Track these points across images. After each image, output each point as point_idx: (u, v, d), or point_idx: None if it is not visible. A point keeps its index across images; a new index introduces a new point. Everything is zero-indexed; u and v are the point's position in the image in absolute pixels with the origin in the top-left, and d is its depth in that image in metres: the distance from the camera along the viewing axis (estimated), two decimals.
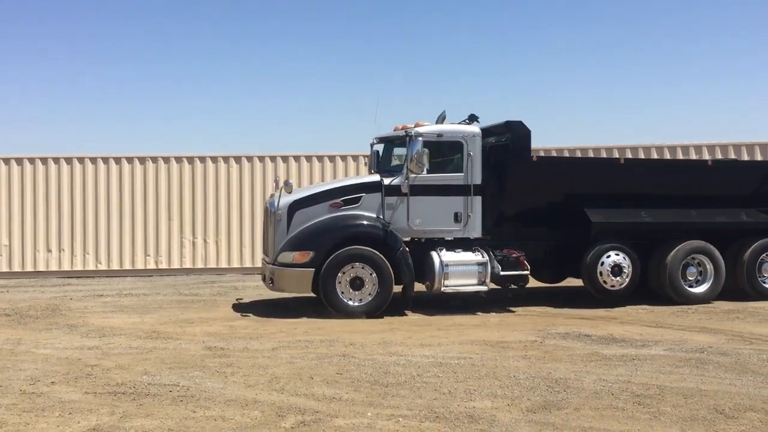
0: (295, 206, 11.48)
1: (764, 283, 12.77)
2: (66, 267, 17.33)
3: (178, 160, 17.83)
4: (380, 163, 12.68)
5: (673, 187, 12.57)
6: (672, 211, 12.42)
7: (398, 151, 12.39)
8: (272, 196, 12.12)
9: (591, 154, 17.80)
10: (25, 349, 8.97)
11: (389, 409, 6.28)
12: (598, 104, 39.43)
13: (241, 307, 12.38)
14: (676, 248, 12.26)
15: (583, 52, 38.71)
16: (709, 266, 12.43)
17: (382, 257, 11.21)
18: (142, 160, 17.72)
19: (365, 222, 11.47)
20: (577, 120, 38.44)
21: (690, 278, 12.40)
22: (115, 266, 17.47)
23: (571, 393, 6.77)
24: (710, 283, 12.42)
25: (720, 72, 37.88)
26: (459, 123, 12.17)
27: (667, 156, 17.71)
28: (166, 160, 17.79)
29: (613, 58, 38.71)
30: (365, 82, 39.23)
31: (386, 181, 11.66)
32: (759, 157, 17.53)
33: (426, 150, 11.37)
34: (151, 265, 17.58)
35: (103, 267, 17.42)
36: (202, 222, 17.78)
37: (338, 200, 11.58)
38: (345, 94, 39.69)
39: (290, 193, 11.58)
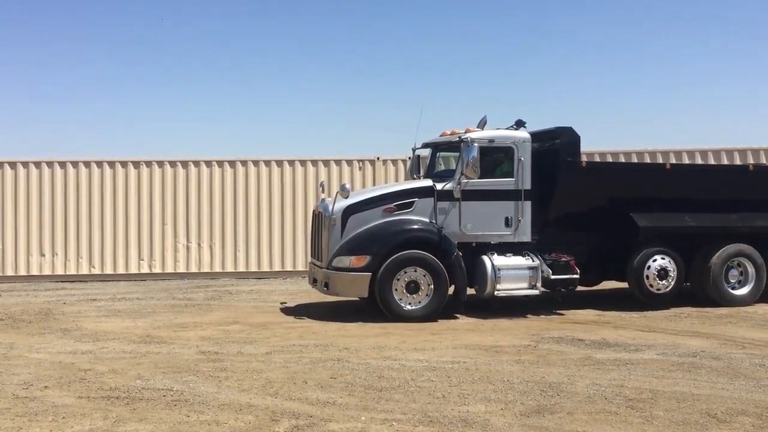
0: (350, 211, 11.54)
1: None
2: (59, 271, 17.28)
3: (173, 164, 17.81)
4: (428, 168, 12.89)
5: (715, 191, 12.75)
6: (714, 215, 12.62)
7: (444, 155, 12.59)
8: (323, 200, 12.18)
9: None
10: (18, 354, 8.95)
11: (383, 414, 6.29)
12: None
13: (233, 312, 12.36)
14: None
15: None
16: (751, 269, 12.63)
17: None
18: (136, 165, 17.69)
19: (420, 226, 11.55)
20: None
21: (732, 281, 12.58)
22: (108, 270, 17.42)
23: (565, 397, 6.79)
24: (752, 285, 12.62)
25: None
26: (507, 128, 12.27)
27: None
28: (160, 164, 17.77)
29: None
30: (361, 86, 39.29)
31: (438, 186, 11.74)
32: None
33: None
34: (145, 270, 17.54)
35: (96, 271, 17.38)
36: (196, 226, 17.75)
37: (391, 205, 11.65)
38: (341, 98, 39.73)
39: (346, 197, 11.62)
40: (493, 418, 6.15)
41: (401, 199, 11.72)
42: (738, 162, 17.67)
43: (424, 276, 11.25)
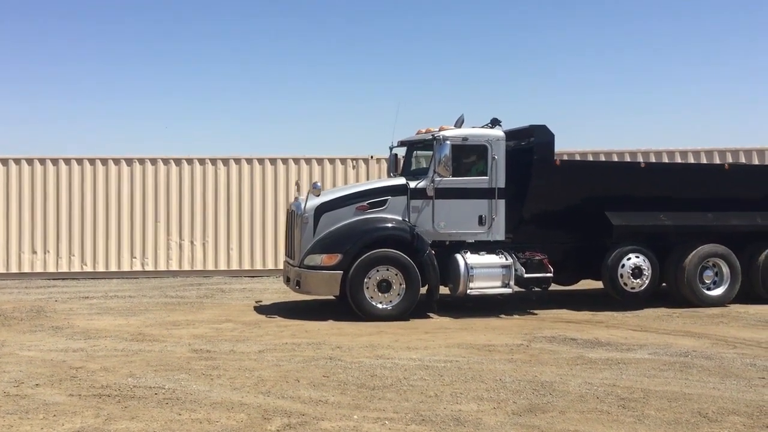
0: (322, 209, 11.51)
1: None
2: (51, 269, 17.20)
3: (166, 162, 17.76)
4: (403, 166, 12.81)
5: (691, 190, 12.76)
6: (690, 214, 12.60)
7: (420, 154, 12.49)
8: (296, 199, 12.14)
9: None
10: (9, 351, 8.91)
11: (375, 412, 6.29)
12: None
13: (226, 310, 12.33)
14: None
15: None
16: (726, 269, 12.57)
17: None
18: (129, 162, 17.64)
19: (392, 225, 11.52)
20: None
21: (707, 281, 12.53)
22: (100, 268, 17.36)
23: (557, 396, 6.81)
24: (726, 286, 12.56)
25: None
26: (482, 127, 12.26)
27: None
28: (154, 161, 17.72)
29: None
30: (359, 85, 39.27)
31: (412, 184, 11.71)
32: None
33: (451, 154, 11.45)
34: (138, 267, 17.49)
35: (88, 269, 17.31)
36: (189, 224, 17.71)
37: (364, 203, 11.62)
38: (338, 97, 39.72)
39: (318, 195, 11.59)
40: (485, 417, 6.16)
41: (374, 197, 11.68)
42: (726, 161, 17.58)
43: (396, 275, 11.21)
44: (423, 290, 11.56)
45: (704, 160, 17.94)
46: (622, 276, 12.17)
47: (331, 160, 18.12)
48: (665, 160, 17.94)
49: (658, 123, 37.91)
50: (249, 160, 17.98)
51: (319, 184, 11.82)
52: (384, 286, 11.21)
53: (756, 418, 6.16)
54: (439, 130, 11.81)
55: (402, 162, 13.03)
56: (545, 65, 38.94)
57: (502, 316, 11.75)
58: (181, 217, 17.70)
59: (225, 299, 13.71)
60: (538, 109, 38.69)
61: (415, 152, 12.72)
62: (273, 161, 18.03)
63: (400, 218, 11.60)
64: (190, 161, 17.83)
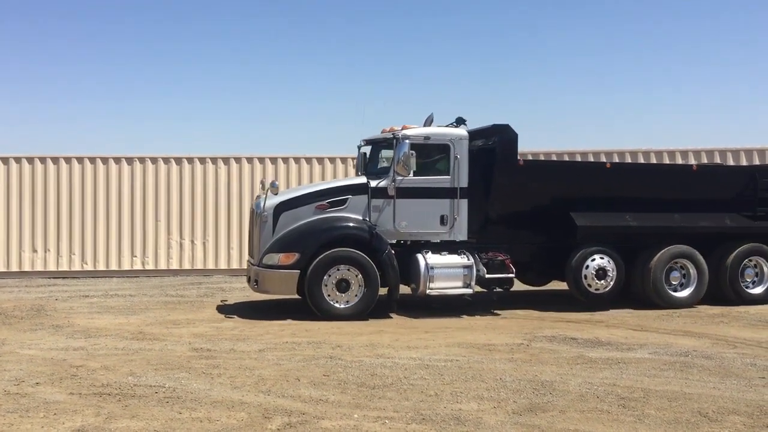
0: (281, 208, 11.45)
1: (747, 288, 12.81)
2: (52, 267, 17.20)
3: (166, 160, 17.76)
4: (368, 165, 12.67)
5: (658, 191, 12.63)
6: (657, 215, 12.47)
7: (385, 153, 12.35)
8: (258, 197, 12.07)
9: (579, 158, 17.87)
10: (9, 350, 8.91)
11: (376, 411, 6.29)
12: (588, 109, 39.65)
13: (225, 309, 12.34)
14: (660, 252, 12.31)
15: (570, 55, 38.94)
16: (693, 271, 12.45)
17: (368, 259, 11.20)
18: (130, 161, 17.64)
19: (351, 224, 11.45)
20: (567, 125, 38.66)
21: (674, 282, 12.42)
22: (101, 267, 17.36)
23: (557, 395, 6.81)
24: (693, 287, 12.44)
25: (706, 78, 38.23)
26: (447, 126, 12.19)
27: (654, 161, 17.82)
28: (154, 160, 17.71)
29: (602, 62, 38.97)
30: (358, 83, 39.26)
31: (373, 183, 11.64)
32: (744, 163, 17.66)
33: (413, 152, 11.37)
34: (138, 266, 17.49)
35: (89, 267, 17.31)
36: (189, 223, 17.71)
37: (324, 202, 11.55)
38: (337, 96, 39.71)
39: (276, 194, 11.56)
40: (485, 417, 6.16)
41: (334, 196, 11.62)
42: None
43: (355, 275, 11.16)
44: (384, 290, 11.49)
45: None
46: (586, 277, 12.06)
47: (332, 159, 18.12)
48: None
49: (657, 123, 37.99)
50: (249, 159, 17.98)
51: (277, 182, 11.76)
52: (343, 286, 11.16)
53: (756, 418, 6.17)
54: (402, 129, 11.70)
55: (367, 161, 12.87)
56: (545, 65, 38.97)
57: (503, 315, 11.75)
58: (182, 216, 17.70)
59: (225, 298, 13.68)
60: (538, 109, 38.72)
61: (381, 151, 12.55)
62: (273, 160, 18.04)
63: (361, 217, 11.52)
64: (190, 160, 17.82)
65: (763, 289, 12.86)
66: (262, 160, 18.01)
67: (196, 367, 7.89)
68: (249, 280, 12.02)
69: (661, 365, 8.11)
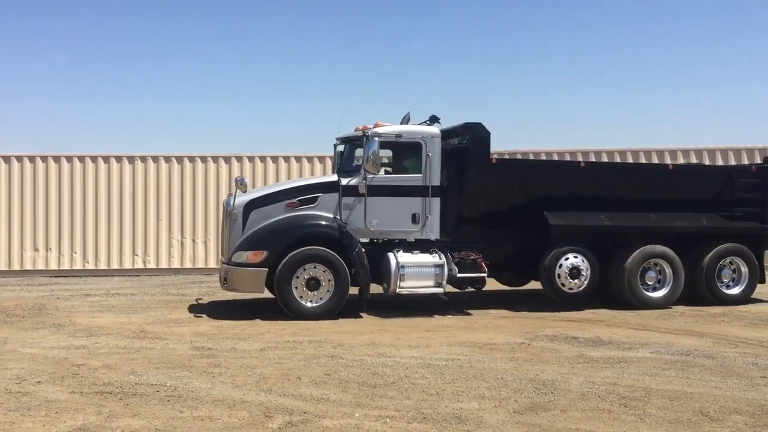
0: (252, 205, 11.37)
1: (723, 288, 12.69)
2: (53, 266, 17.23)
3: (167, 159, 17.78)
4: (343, 163, 12.57)
5: (634, 190, 12.54)
6: (632, 215, 12.38)
7: (359, 151, 12.24)
8: (229, 195, 12.02)
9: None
10: (11, 348, 8.92)
11: (377, 410, 6.29)
12: (588, 109, 39.66)
13: (226, 309, 12.34)
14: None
15: (570, 55, 38.92)
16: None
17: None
18: (131, 160, 17.66)
19: (321, 222, 11.39)
20: (567, 125, 38.67)
21: (649, 282, 12.30)
22: (102, 266, 17.39)
23: (558, 395, 6.80)
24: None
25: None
26: (420, 124, 12.13)
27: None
28: (155, 159, 17.73)
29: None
30: (358, 83, 39.26)
31: (344, 181, 11.57)
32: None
33: (384, 150, 11.32)
34: (139, 265, 17.51)
35: (90, 266, 17.33)
36: (190, 222, 17.73)
37: (294, 200, 11.48)
38: (337, 96, 39.70)
39: (245, 192, 11.49)
40: (486, 416, 6.16)
41: (305, 194, 11.54)
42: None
43: (325, 273, 11.08)
44: (355, 289, 11.43)
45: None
46: (559, 276, 11.97)
47: (332, 158, 18.09)
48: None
49: (657, 123, 37.96)
50: (251, 158, 18.00)
51: (246, 179, 11.70)
52: (313, 284, 11.09)
53: (758, 417, 6.16)
54: (374, 127, 11.64)
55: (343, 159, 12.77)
56: (545, 65, 38.94)
57: (504, 314, 11.75)
58: (183, 215, 17.72)
59: (227, 297, 13.67)
60: (538, 108, 38.70)
61: (355, 149, 12.41)
62: (275, 159, 18.06)
63: (332, 216, 11.45)
64: (191, 159, 17.84)
65: (740, 289, 12.75)
66: (263, 158, 18.03)
67: (198, 366, 7.89)
68: (220, 279, 11.96)
69: (662, 364, 8.10)
